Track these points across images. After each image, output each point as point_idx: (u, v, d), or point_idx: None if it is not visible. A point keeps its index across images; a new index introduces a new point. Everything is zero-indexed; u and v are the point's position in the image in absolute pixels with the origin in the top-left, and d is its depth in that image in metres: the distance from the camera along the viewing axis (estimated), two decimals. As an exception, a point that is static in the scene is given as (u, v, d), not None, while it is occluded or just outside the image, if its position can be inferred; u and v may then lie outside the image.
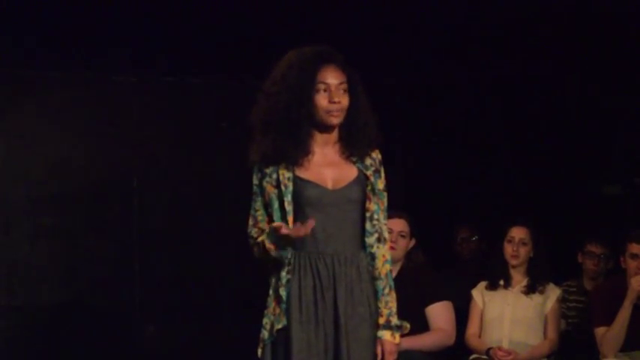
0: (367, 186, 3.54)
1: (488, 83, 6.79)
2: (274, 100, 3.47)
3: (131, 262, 6.08)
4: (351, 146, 3.55)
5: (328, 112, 3.48)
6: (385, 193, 3.59)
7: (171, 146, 6.17)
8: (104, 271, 6.03)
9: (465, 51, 6.51)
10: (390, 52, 6.40)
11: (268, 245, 3.42)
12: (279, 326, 3.45)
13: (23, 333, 5.91)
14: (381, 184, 3.58)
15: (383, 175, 3.59)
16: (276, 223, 3.38)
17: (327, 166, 3.53)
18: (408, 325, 3.63)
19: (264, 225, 3.51)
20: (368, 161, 3.57)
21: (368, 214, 3.53)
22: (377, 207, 3.55)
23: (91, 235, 6.03)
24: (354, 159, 3.56)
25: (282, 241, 3.39)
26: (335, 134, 3.55)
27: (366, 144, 3.56)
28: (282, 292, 3.46)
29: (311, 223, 3.35)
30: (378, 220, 3.55)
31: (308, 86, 3.46)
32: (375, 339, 3.51)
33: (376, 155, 3.60)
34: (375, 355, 3.51)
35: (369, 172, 3.56)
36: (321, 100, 3.47)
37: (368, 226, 3.54)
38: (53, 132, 5.98)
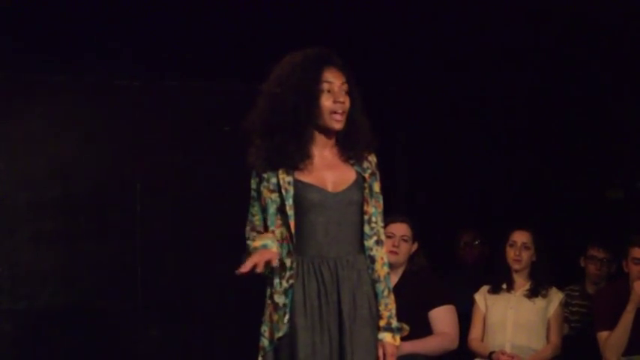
0: (365, 188, 3.56)
1: (491, 87, 6.79)
2: (279, 101, 3.46)
3: (134, 265, 6.08)
4: (349, 149, 3.56)
5: (333, 112, 3.48)
6: (381, 196, 3.60)
7: (174, 150, 6.17)
8: (107, 275, 6.03)
9: (468, 53, 6.51)
10: (392, 54, 6.40)
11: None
12: (280, 334, 3.44)
13: (26, 336, 5.92)
14: (377, 187, 3.59)
15: (378, 177, 3.60)
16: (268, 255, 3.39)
17: (326, 169, 3.54)
18: (407, 327, 3.64)
19: (261, 229, 3.52)
20: (365, 164, 3.58)
21: (366, 217, 3.54)
22: (375, 210, 3.56)
23: (94, 239, 6.03)
24: (352, 162, 3.57)
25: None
26: (333, 137, 3.56)
27: (364, 146, 3.58)
28: (278, 299, 3.45)
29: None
30: (376, 222, 3.56)
31: (314, 87, 3.46)
32: (377, 341, 3.52)
33: (372, 158, 3.61)
34: (377, 358, 3.51)
35: (366, 175, 3.57)
36: (325, 100, 3.48)
37: (366, 229, 3.54)
38: (56, 136, 5.99)
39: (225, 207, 5.99)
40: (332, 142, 3.57)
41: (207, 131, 6.17)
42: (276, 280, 3.45)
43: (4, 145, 5.92)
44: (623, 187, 6.83)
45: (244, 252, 3.51)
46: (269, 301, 3.49)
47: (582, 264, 5.89)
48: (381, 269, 3.55)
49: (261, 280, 3.58)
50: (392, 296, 3.58)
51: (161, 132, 6.17)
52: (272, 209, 3.47)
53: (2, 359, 5.83)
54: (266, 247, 3.41)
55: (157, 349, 6.09)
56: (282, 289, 3.45)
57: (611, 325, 5.12)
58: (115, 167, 6.08)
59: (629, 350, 5.09)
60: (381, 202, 3.59)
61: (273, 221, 3.47)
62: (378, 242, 3.56)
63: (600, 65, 6.35)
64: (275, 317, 3.45)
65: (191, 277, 6.15)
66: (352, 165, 3.57)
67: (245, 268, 3.35)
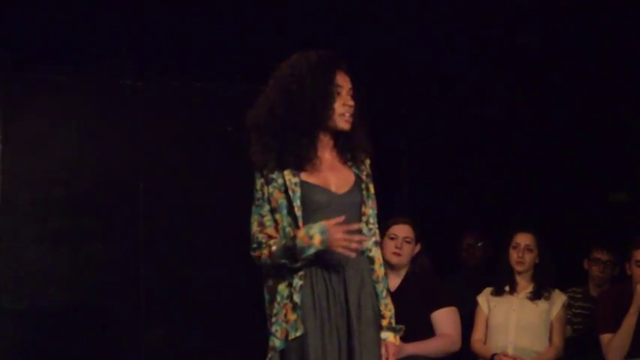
0: (363, 190, 3.59)
1: (493, 89, 6.79)
2: (295, 99, 3.47)
3: (137, 265, 6.08)
4: (348, 151, 3.59)
5: (342, 115, 3.52)
6: (375, 198, 3.63)
7: (177, 150, 6.16)
8: (110, 274, 6.02)
9: (470, 55, 6.51)
10: (395, 55, 6.40)
11: (283, 254, 3.42)
12: (298, 334, 3.43)
13: (29, 336, 5.91)
14: (372, 188, 3.63)
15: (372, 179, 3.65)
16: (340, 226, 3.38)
17: (328, 170, 3.56)
18: (404, 327, 3.65)
19: (271, 231, 3.50)
20: (361, 167, 3.62)
21: (364, 218, 3.57)
22: (372, 211, 3.61)
23: (97, 239, 6.02)
24: (350, 164, 3.60)
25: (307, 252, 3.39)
26: (333, 139, 3.59)
27: (362, 150, 3.61)
28: (297, 299, 3.44)
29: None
30: (373, 223, 3.60)
31: (331, 89, 3.49)
32: (379, 341, 3.54)
33: (367, 161, 3.65)
34: (380, 357, 3.52)
35: (363, 176, 3.61)
36: (337, 103, 3.51)
37: (365, 230, 3.56)
38: (59, 135, 5.98)
39: (228, 207, 5.99)
40: (332, 144, 3.59)
41: (211, 131, 6.17)
42: (296, 280, 3.44)
43: (6, 145, 5.91)
44: (627, 189, 6.82)
45: (270, 255, 3.47)
46: (286, 301, 3.46)
47: (586, 266, 5.88)
48: (380, 270, 3.59)
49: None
50: (390, 296, 3.61)
51: (164, 132, 6.17)
52: (285, 210, 3.48)
53: (3, 358, 5.83)
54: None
55: (159, 349, 6.09)
56: (298, 288, 3.44)
57: (614, 328, 5.12)
58: (118, 167, 6.07)
59: (631, 353, 5.09)
60: (376, 203, 3.62)
61: (288, 222, 3.47)
62: (376, 243, 3.60)
63: (603, 67, 6.35)
64: (292, 317, 3.44)
65: (194, 277, 6.14)
66: (350, 167, 3.61)
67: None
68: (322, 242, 3.38)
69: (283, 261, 3.43)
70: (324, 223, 3.38)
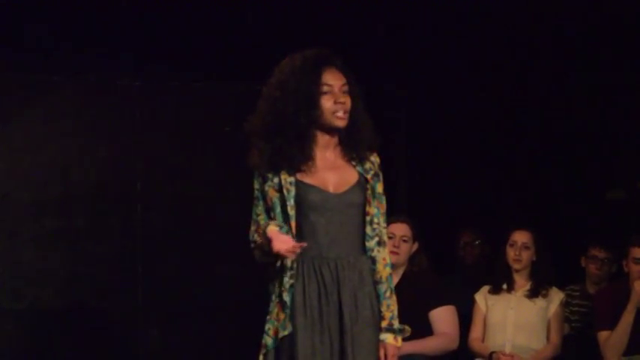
0: (367, 189, 3.56)
1: (491, 87, 6.79)
2: (280, 105, 3.46)
3: (134, 265, 6.08)
4: (352, 149, 3.56)
5: (334, 113, 3.49)
6: (384, 197, 3.60)
7: (175, 150, 6.17)
8: (107, 274, 6.03)
9: (468, 53, 6.51)
10: (392, 54, 6.40)
11: (260, 242, 3.44)
12: (285, 332, 3.44)
13: (27, 336, 5.92)
14: (380, 188, 3.59)
15: (382, 178, 3.60)
16: (271, 232, 3.39)
17: (328, 169, 3.54)
18: (409, 329, 3.64)
19: None
20: (367, 165, 3.58)
21: (368, 218, 3.54)
22: (377, 211, 3.57)
23: (95, 239, 6.03)
24: (354, 162, 3.58)
25: (267, 247, 3.40)
26: (335, 137, 3.56)
27: (366, 147, 3.58)
28: (286, 298, 3.45)
29: (302, 245, 3.38)
30: (378, 223, 3.56)
31: (314, 89, 3.46)
32: (378, 342, 3.52)
33: (375, 159, 3.61)
34: (378, 359, 3.52)
35: (368, 176, 3.57)
36: (326, 102, 3.48)
37: (368, 229, 3.54)
38: (57, 136, 5.99)
39: (225, 207, 6.00)
40: (334, 142, 3.57)
41: (208, 131, 6.18)
42: (285, 279, 3.45)
43: (4, 145, 5.92)
44: (624, 187, 6.83)
45: (260, 253, 3.50)
46: (277, 300, 3.48)
47: (583, 264, 5.88)
48: (383, 270, 3.56)
49: (261, 280, 3.58)
50: (394, 297, 3.58)
51: (162, 132, 6.17)
52: (278, 209, 3.49)
53: (2, 359, 5.83)
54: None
55: (157, 349, 6.09)
56: (287, 287, 3.45)
57: (611, 325, 5.12)
58: (115, 167, 6.08)
59: (629, 350, 5.10)
60: (384, 203, 3.60)
61: (281, 220, 3.48)
62: (380, 243, 3.56)
63: (600, 65, 6.35)
64: (282, 316, 3.45)
65: (191, 277, 6.15)
66: (354, 166, 3.58)
67: (292, 249, 3.33)
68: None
69: (264, 258, 3.46)
70: (270, 235, 3.38)
